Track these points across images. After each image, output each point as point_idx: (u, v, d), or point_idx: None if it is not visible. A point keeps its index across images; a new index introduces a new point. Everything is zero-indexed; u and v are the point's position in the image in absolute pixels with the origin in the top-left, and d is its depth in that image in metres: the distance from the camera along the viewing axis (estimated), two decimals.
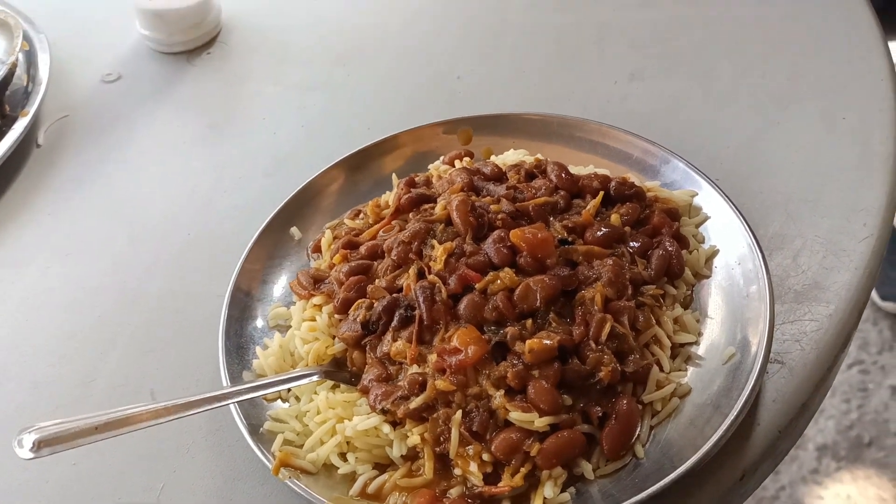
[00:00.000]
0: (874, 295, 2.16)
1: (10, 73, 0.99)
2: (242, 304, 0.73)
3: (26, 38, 1.03)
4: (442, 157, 0.82)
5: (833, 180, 0.75)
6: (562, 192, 0.70)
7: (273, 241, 0.78)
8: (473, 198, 0.70)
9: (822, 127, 0.80)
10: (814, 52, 0.88)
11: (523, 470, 0.56)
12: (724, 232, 0.69)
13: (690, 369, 0.63)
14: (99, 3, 1.18)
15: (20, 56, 1.01)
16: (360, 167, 0.83)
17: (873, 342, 2.07)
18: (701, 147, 0.80)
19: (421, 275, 0.65)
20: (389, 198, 0.77)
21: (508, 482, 0.56)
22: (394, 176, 0.81)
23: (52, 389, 0.74)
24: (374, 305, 0.65)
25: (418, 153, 0.83)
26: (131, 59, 1.07)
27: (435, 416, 0.59)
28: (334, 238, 0.75)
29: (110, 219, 0.88)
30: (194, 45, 1.07)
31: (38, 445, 0.53)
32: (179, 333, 0.76)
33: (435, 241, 0.66)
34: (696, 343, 0.64)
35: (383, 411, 0.60)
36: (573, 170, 0.74)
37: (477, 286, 0.62)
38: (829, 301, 0.66)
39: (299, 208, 0.80)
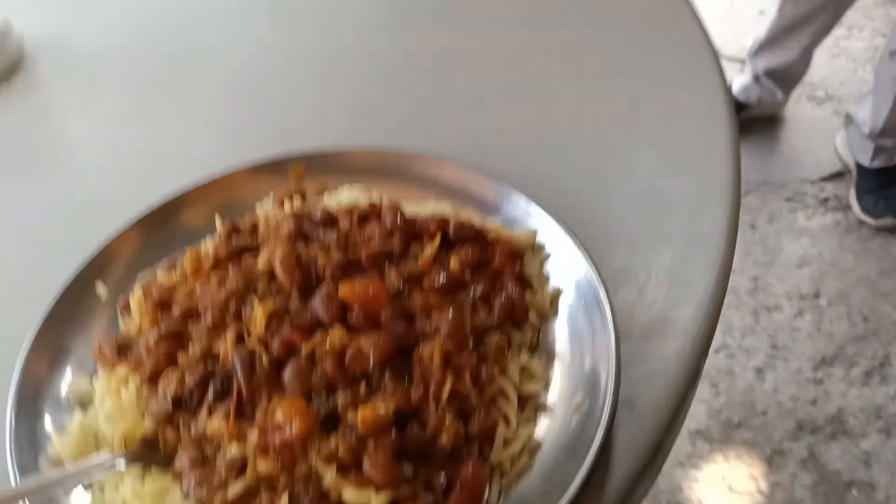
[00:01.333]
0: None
1: None
2: (37, 377, 0.63)
3: None
4: (271, 194, 0.75)
5: (674, 209, 0.74)
6: (397, 238, 0.65)
7: (76, 301, 0.68)
8: (301, 247, 0.63)
9: (661, 154, 0.79)
10: (652, 79, 0.87)
11: None
12: (568, 269, 0.66)
13: (541, 420, 0.59)
14: None
15: None
16: (179, 211, 0.74)
17: (736, 326, 2.16)
18: (545, 178, 0.77)
19: (240, 339, 0.58)
20: (210, 245, 0.69)
21: None
22: (216, 217, 0.73)
23: None
24: (187, 377, 0.57)
25: (245, 193, 0.76)
26: None
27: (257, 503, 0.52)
28: (145, 296, 0.67)
29: None
30: None
31: None
32: None
33: (255, 302, 0.59)
34: (545, 390, 0.60)
35: (199, 502, 0.53)
36: (411, 207, 0.70)
37: (303, 350, 0.56)
38: (677, 336, 0.64)
39: (108, 260, 0.71)
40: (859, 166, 2.41)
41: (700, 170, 0.77)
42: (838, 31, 2.70)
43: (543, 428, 0.58)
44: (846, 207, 2.41)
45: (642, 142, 0.80)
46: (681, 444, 1.85)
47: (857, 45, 2.90)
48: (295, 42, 0.96)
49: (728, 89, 0.85)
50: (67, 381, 0.64)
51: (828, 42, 2.52)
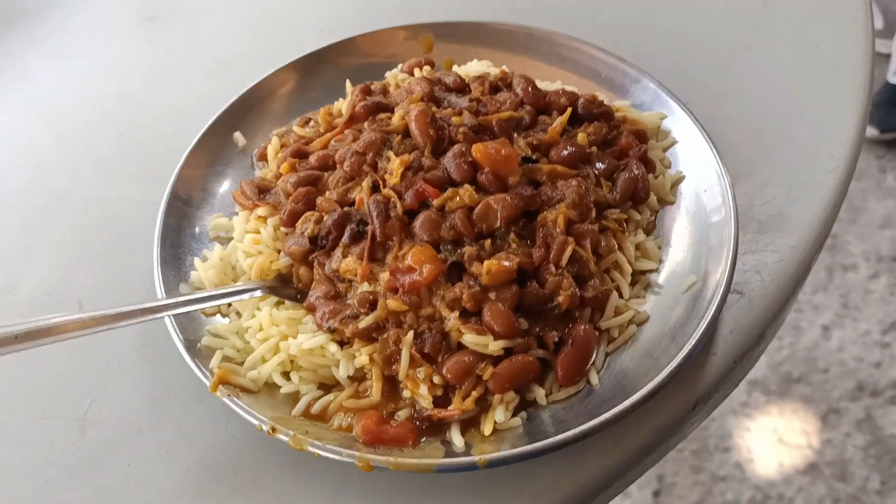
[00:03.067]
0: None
1: None
2: (180, 212, 0.68)
3: None
4: (400, 65, 0.77)
5: (804, 109, 0.73)
6: (527, 108, 0.67)
7: (215, 147, 0.72)
8: (434, 109, 0.65)
9: (796, 53, 0.77)
10: None
11: (475, 394, 0.54)
12: (691, 157, 0.67)
13: (650, 297, 0.61)
14: None
15: None
16: (312, 71, 0.77)
17: (808, 281, 2.10)
18: (673, 66, 0.77)
19: (375, 188, 0.61)
20: (343, 105, 0.72)
21: (459, 406, 0.54)
22: (348, 82, 0.76)
23: None
24: (324, 219, 0.61)
25: (375, 59, 0.78)
26: None
27: (385, 336, 0.56)
28: (282, 146, 0.70)
29: (35, 115, 0.81)
30: None
31: None
32: (110, 242, 0.70)
33: (391, 153, 0.62)
34: (657, 270, 0.62)
35: (330, 330, 0.57)
36: (540, 85, 0.71)
37: (434, 202, 0.59)
38: (792, 233, 0.65)
39: (244, 112, 0.75)
40: None
41: (834, 72, 0.75)
42: None
43: (652, 304, 0.60)
44: None
45: (776, 39, 0.79)
46: (736, 392, 1.83)
47: None
48: None
49: None
50: (207, 219, 0.68)
51: None
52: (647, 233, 0.64)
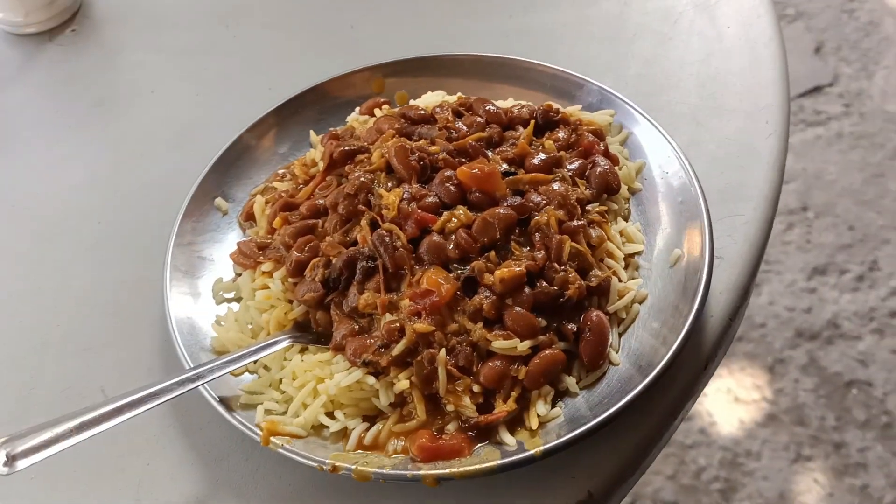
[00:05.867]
0: None
1: None
2: (182, 283, 0.69)
3: None
4: (358, 108, 0.80)
5: (730, 85, 0.80)
6: (493, 127, 0.71)
7: (198, 216, 0.74)
8: (408, 143, 0.69)
9: (710, 38, 0.85)
10: None
11: (514, 394, 0.58)
12: (646, 145, 0.73)
13: (643, 275, 0.66)
14: None
15: None
16: (274, 129, 0.80)
17: None
18: (605, 72, 0.83)
19: (374, 225, 0.64)
20: (315, 155, 0.75)
21: (503, 408, 0.58)
22: (311, 133, 0.79)
23: None
24: (333, 262, 0.64)
25: (331, 107, 0.82)
26: None
27: (420, 358, 0.59)
28: (266, 202, 0.73)
29: (6, 218, 0.80)
30: (54, 23, 0.98)
31: (12, 459, 0.49)
32: (117, 326, 0.71)
33: (381, 191, 0.65)
34: (642, 252, 0.68)
35: (365, 364, 0.60)
36: (496, 104, 0.76)
37: (434, 227, 0.63)
38: (750, 196, 0.72)
39: (219, 179, 0.77)
40: None
41: (749, 48, 0.83)
42: None
43: (647, 281, 0.66)
44: (825, 122, 2.43)
45: (691, 29, 0.86)
46: None
47: None
48: None
49: None
50: (209, 284, 0.70)
51: None
52: (625, 219, 0.70)
